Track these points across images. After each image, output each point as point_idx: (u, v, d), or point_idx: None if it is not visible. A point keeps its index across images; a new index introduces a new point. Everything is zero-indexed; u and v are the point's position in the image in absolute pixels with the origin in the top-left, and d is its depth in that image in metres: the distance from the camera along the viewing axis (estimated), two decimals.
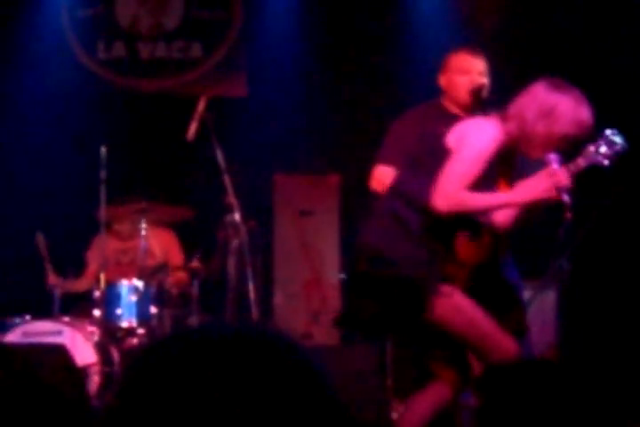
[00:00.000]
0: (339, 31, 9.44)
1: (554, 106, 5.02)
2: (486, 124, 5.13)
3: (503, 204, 5.14)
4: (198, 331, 1.69)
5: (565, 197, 4.99)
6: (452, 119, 5.94)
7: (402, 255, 5.19)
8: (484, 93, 6.10)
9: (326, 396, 1.59)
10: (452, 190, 5.01)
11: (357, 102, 9.29)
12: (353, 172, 8.46)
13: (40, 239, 8.18)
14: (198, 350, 1.58)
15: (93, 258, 8.47)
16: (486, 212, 5.22)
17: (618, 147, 5.46)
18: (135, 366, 1.62)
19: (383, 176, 6.19)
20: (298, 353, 1.61)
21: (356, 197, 8.41)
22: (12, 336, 7.47)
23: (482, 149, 5.07)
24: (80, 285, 8.38)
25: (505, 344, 5.20)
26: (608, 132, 5.47)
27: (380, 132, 6.49)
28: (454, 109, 6.31)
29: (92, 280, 8.29)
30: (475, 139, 5.10)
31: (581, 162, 5.41)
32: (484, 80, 6.15)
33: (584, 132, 5.07)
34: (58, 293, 8.13)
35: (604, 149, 5.46)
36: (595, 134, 5.26)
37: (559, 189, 4.96)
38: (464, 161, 5.07)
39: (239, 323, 1.81)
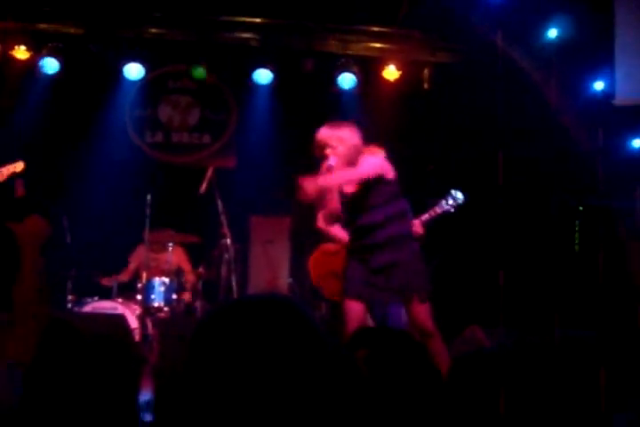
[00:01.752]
0: (297, 129, 8.80)
1: None
2: None
3: None
4: (255, 298, 1.58)
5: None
6: None
7: None
8: None
9: (319, 336, 1.51)
10: None
11: (307, 175, 8.91)
12: (299, 216, 8.22)
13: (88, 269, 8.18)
14: (248, 309, 1.51)
15: (133, 261, 8.54)
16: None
17: (459, 200, 5.68)
18: (203, 324, 1.53)
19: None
20: (306, 308, 1.55)
21: (301, 232, 8.37)
22: (86, 309, 7.57)
23: None
24: (123, 277, 8.41)
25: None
26: (452, 191, 5.71)
27: None
28: None
29: (131, 275, 8.45)
30: None
31: (437, 209, 5.65)
32: None
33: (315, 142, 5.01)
34: (113, 286, 8.17)
35: (450, 201, 5.68)
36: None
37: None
38: None
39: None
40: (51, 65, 8.62)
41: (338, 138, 5.01)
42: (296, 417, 1.41)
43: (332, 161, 4.95)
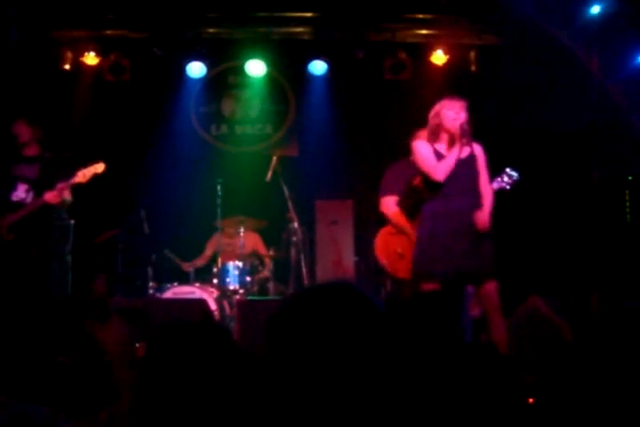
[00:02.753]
0: (354, 115, 9.43)
1: (435, 109, 5.34)
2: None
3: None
4: (322, 287, 1.63)
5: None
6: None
7: None
8: None
9: (380, 318, 1.57)
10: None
11: (366, 159, 9.16)
12: (361, 198, 8.59)
13: (168, 253, 8.41)
14: (324, 294, 1.57)
15: (210, 247, 8.73)
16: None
17: (514, 178, 5.71)
18: (281, 310, 1.60)
19: (388, 203, 6.37)
20: (368, 294, 1.61)
21: (363, 214, 8.48)
22: (167, 294, 7.75)
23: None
24: (199, 262, 8.63)
25: None
26: (507, 169, 5.75)
27: (377, 176, 6.59)
28: None
29: (207, 260, 8.65)
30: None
31: (494, 186, 5.63)
32: None
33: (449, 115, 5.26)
34: (191, 271, 8.36)
35: (506, 179, 5.70)
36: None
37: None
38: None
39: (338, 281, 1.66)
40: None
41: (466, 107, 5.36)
42: (361, 393, 1.50)
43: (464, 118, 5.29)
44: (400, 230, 6.32)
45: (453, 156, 5.29)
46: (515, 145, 8.22)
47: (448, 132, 5.34)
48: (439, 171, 5.31)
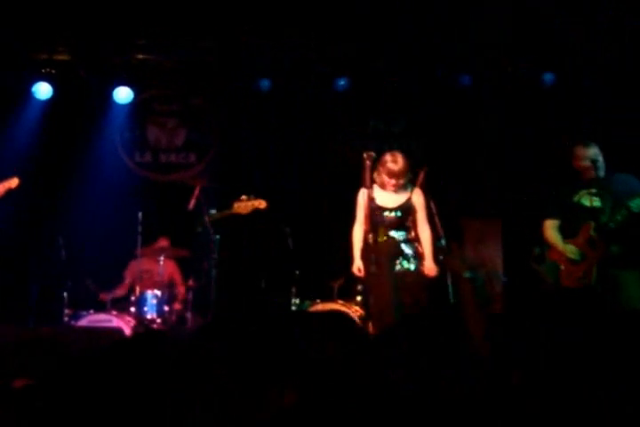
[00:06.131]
0: (280, 146, 9.23)
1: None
2: None
3: None
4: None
5: None
6: None
7: None
8: None
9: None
10: None
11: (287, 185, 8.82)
12: None
13: (89, 283, 8.16)
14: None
15: (128, 276, 8.56)
16: None
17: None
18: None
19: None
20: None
21: None
22: (83, 322, 7.60)
23: None
24: (119, 293, 8.44)
25: None
26: None
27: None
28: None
29: (127, 289, 8.44)
30: None
31: None
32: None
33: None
34: (108, 299, 8.06)
35: None
36: None
37: None
38: None
39: None
40: (43, 90, 8.77)
41: None
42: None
43: None
44: None
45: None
46: None
47: None
48: None
